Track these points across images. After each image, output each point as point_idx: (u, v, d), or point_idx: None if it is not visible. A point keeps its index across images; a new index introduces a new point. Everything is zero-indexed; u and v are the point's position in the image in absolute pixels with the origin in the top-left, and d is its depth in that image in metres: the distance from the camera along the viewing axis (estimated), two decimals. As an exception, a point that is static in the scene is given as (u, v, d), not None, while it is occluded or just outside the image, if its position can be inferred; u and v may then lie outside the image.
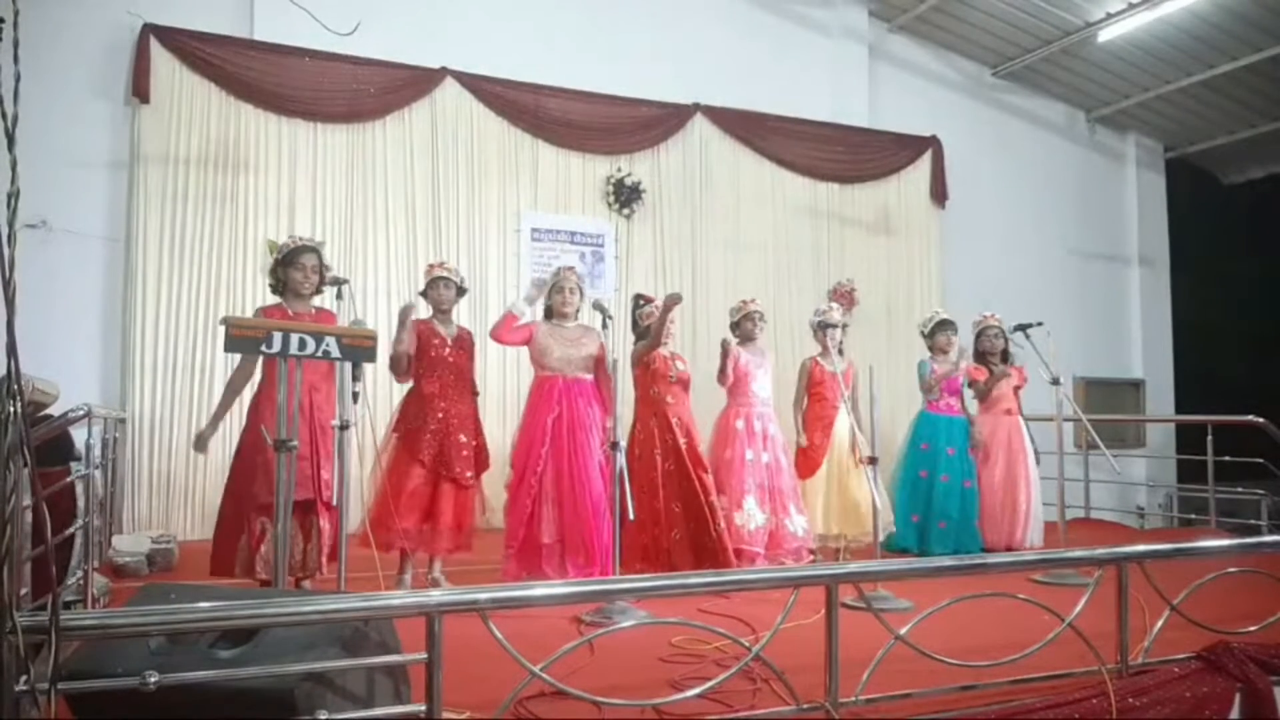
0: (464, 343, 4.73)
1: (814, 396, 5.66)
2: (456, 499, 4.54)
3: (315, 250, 4.30)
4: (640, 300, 5.13)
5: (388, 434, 4.63)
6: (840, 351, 5.59)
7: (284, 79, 7.02)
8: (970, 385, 6.03)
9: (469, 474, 4.57)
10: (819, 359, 5.65)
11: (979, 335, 6.05)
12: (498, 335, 4.63)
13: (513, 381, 7.25)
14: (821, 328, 5.56)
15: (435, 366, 4.60)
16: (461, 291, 4.81)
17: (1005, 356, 6.02)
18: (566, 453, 4.46)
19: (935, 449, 5.79)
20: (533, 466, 4.45)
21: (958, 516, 5.66)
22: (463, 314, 7.30)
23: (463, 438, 4.56)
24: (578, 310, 4.76)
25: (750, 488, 5.06)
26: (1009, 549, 5.68)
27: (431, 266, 4.83)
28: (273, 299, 4.38)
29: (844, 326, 5.81)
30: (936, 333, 5.97)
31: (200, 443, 4.35)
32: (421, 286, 4.86)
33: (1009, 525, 5.82)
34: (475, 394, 4.76)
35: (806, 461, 5.56)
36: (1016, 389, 6.00)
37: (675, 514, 4.63)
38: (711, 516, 4.62)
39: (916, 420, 6.02)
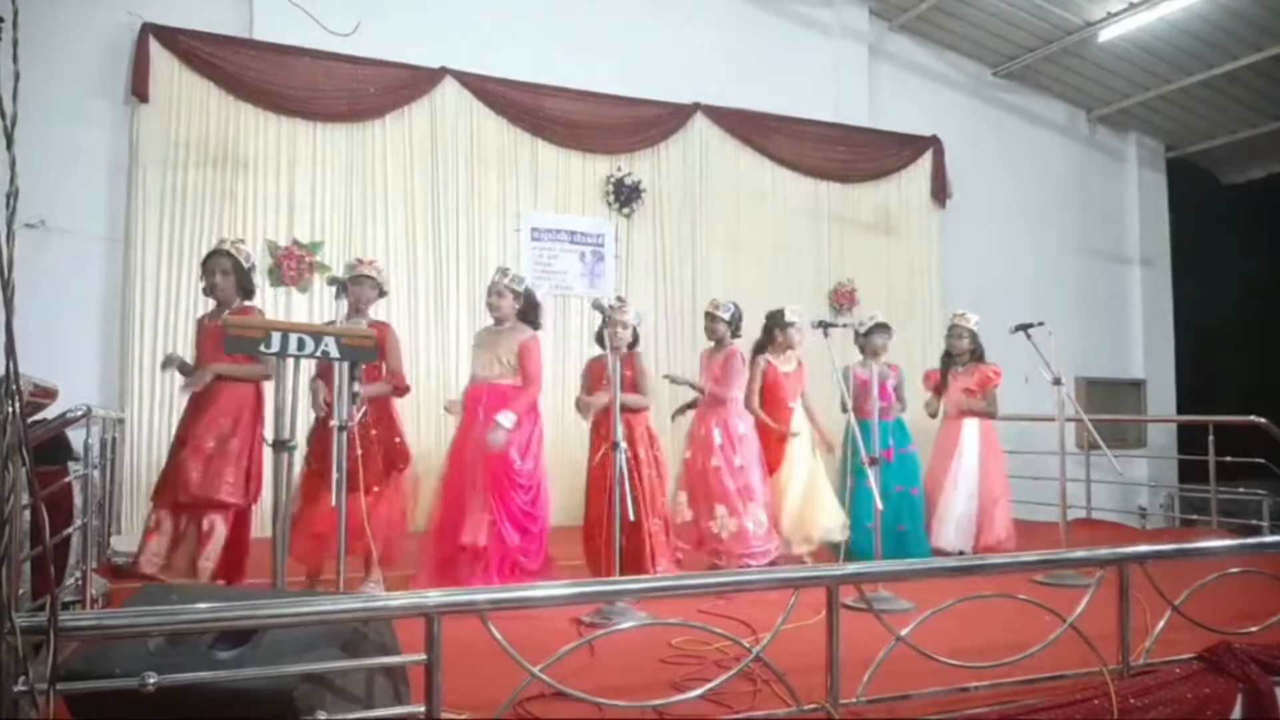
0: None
1: (771, 399, 5.58)
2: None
3: (225, 253, 4.33)
4: (617, 299, 5.11)
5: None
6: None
7: (284, 79, 7.01)
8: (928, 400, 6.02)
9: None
10: (773, 360, 5.60)
11: (946, 334, 6.05)
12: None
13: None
14: (822, 326, 5.51)
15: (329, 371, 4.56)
16: (383, 293, 4.76)
17: (976, 355, 5.95)
18: (470, 460, 4.43)
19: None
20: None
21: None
22: (461, 316, 7.36)
23: (363, 440, 4.38)
24: (508, 313, 4.66)
25: (718, 495, 5.03)
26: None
27: (359, 262, 4.73)
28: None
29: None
30: (872, 335, 5.69)
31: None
32: (343, 276, 4.53)
33: (934, 530, 5.69)
34: (395, 392, 4.58)
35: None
36: (967, 390, 5.89)
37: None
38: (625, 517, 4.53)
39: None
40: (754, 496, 5.10)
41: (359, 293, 4.58)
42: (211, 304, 4.53)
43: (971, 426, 5.80)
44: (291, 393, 3.14)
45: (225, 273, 4.31)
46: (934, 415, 6.03)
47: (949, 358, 6.01)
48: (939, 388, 5.97)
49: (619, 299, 5.18)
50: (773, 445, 5.42)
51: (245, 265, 4.36)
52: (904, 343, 8.96)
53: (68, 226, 6.37)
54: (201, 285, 4.47)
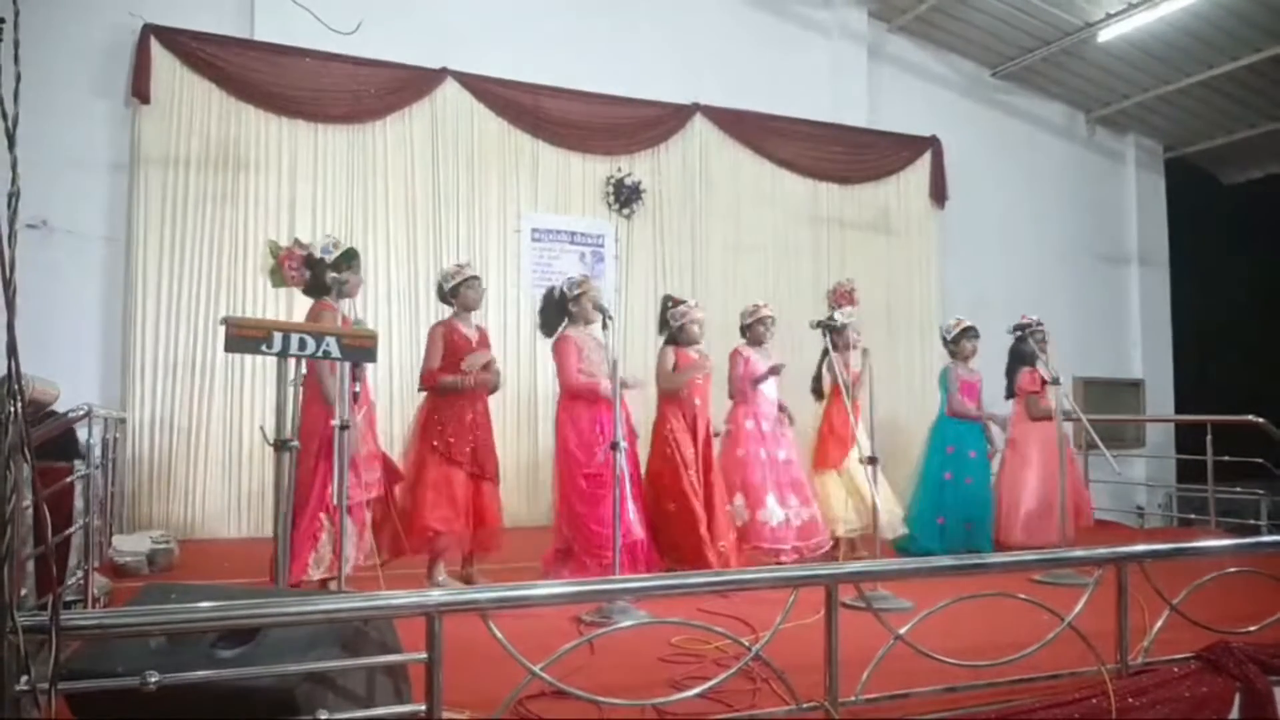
0: (484, 343, 4.81)
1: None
2: (494, 496, 4.66)
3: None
4: (673, 301, 5.19)
5: (414, 439, 4.67)
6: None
7: (284, 79, 7.01)
8: (1029, 400, 5.91)
9: (497, 471, 4.71)
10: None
11: (1026, 338, 5.80)
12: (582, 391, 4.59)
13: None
14: (821, 327, 5.57)
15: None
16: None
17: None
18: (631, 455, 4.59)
19: (960, 452, 5.81)
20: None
21: (980, 518, 5.69)
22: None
23: (487, 436, 4.67)
24: None
25: (769, 486, 5.15)
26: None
27: (460, 267, 4.87)
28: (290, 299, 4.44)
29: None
30: (961, 339, 5.96)
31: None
32: (448, 285, 4.81)
33: (1060, 524, 5.70)
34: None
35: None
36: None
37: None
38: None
39: (940, 423, 6.00)
40: (789, 489, 5.23)
41: (473, 296, 4.78)
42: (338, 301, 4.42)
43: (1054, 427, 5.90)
44: (292, 392, 3.15)
45: None
46: (1039, 418, 5.92)
47: (1032, 361, 5.88)
48: (1043, 390, 5.89)
49: (672, 299, 5.24)
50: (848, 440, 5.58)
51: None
52: (903, 343, 9.04)
53: (69, 227, 6.39)
54: (346, 279, 4.31)
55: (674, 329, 5.08)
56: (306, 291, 4.50)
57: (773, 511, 5.09)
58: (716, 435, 5.27)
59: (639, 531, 4.48)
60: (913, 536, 5.71)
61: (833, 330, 5.42)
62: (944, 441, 5.90)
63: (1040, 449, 5.85)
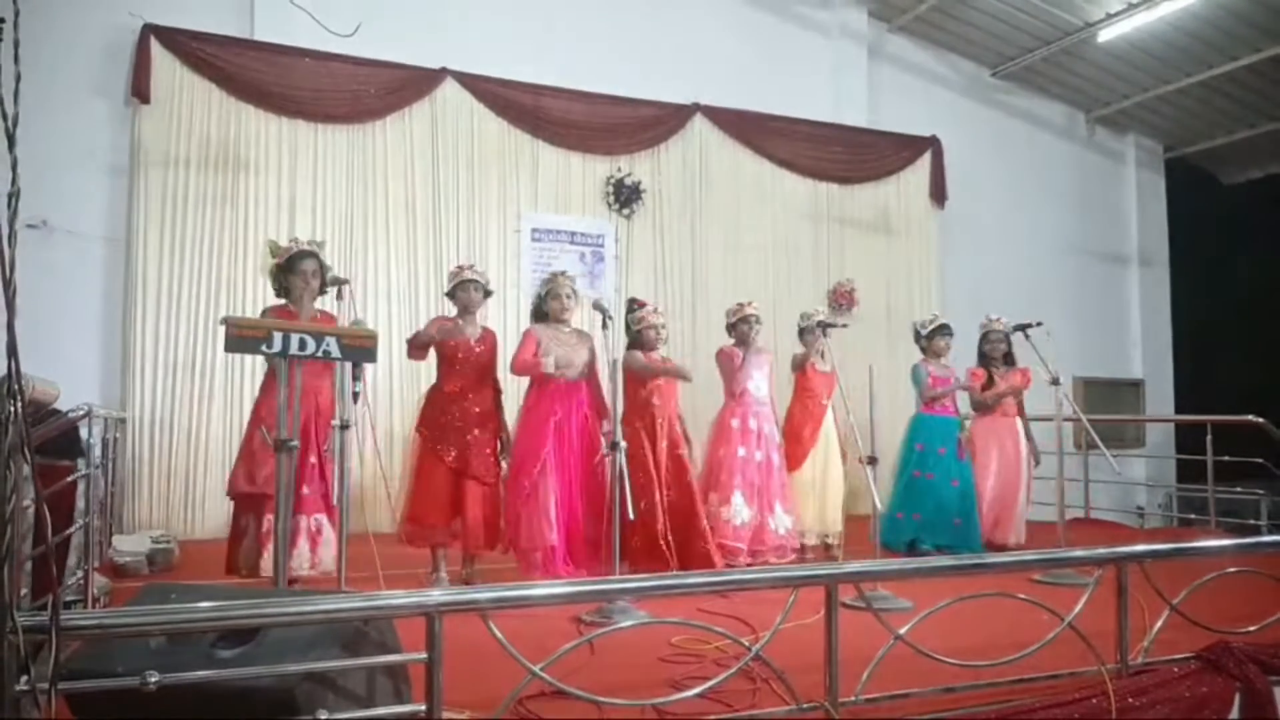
0: (486, 342, 4.78)
1: (804, 393, 5.76)
2: (483, 496, 4.61)
3: (314, 255, 4.32)
4: (634, 304, 5.17)
5: (412, 432, 4.76)
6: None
7: (284, 79, 7.02)
8: (967, 390, 6.05)
9: (490, 471, 4.65)
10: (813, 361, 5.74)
11: (983, 338, 6.05)
12: (523, 371, 4.69)
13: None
14: (821, 328, 5.57)
15: (457, 366, 4.67)
16: (488, 294, 4.87)
17: (1008, 359, 6.02)
18: (578, 453, 4.56)
19: (929, 449, 5.84)
20: (536, 468, 4.51)
21: (933, 514, 5.68)
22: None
23: (482, 435, 4.63)
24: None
25: (739, 484, 5.14)
26: (999, 548, 5.68)
27: (460, 269, 4.87)
28: (275, 299, 4.42)
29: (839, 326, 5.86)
30: (935, 337, 5.98)
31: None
32: (447, 288, 4.89)
33: (1001, 526, 5.82)
34: (498, 391, 4.82)
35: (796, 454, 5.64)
36: (1017, 390, 6.01)
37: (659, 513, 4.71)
38: (665, 516, 4.67)
39: (912, 422, 6.04)
40: (774, 491, 5.22)
41: (466, 297, 4.75)
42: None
43: (1017, 425, 5.96)
44: (293, 392, 3.14)
45: (313, 274, 4.33)
46: (981, 409, 6.03)
47: (985, 360, 6.03)
48: (986, 386, 5.97)
49: (636, 303, 5.22)
50: (804, 440, 5.60)
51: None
52: (902, 343, 9.00)
53: (69, 226, 6.38)
54: (294, 282, 4.31)
55: (631, 334, 5.05)
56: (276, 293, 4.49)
57: (737, 510, 5.08)
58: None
59: (552, 537, 4.42)
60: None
61: (827, 329, 5.44)
62: (914, 439, 5.94)
63: (982, 446, 5.94)
